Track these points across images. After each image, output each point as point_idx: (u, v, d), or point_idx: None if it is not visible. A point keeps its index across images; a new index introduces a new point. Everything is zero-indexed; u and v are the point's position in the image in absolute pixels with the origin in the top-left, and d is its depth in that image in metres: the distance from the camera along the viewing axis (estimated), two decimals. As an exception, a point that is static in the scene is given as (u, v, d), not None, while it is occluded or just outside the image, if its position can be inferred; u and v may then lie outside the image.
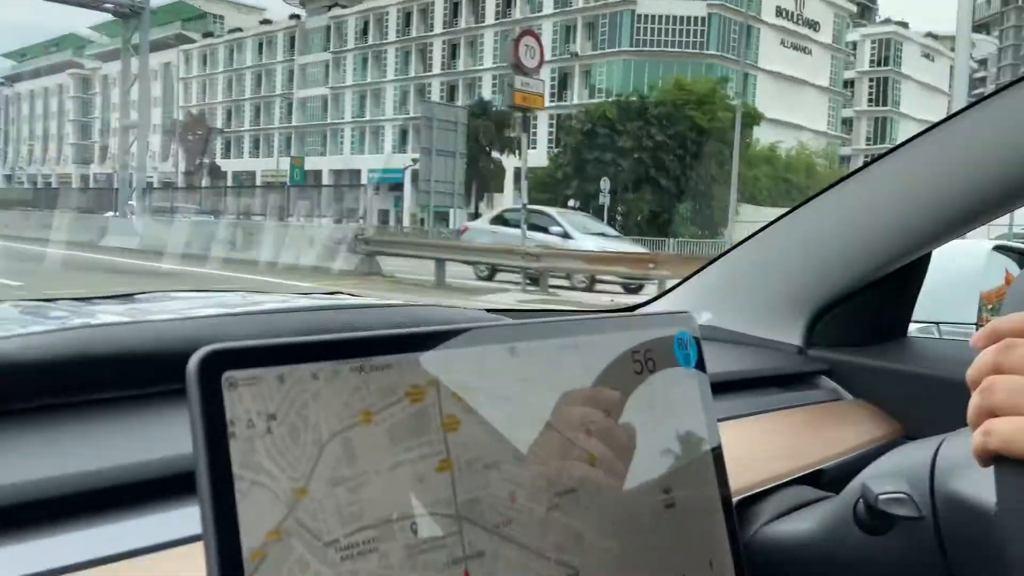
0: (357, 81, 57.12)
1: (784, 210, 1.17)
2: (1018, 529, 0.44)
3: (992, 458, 0.46)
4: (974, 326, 1.25)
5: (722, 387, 0.96)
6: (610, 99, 34.41)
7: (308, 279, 12.38)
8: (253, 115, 63.30)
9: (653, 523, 0.57)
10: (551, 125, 45.46)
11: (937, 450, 0.67)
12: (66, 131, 76.20)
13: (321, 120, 59.20)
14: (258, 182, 53.72)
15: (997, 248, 1.39)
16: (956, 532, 0.63)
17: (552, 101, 44.71)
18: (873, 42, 55.10)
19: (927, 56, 55.45)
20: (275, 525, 0.40)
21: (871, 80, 54.93)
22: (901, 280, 1.13)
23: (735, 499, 0.73)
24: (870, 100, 55.14)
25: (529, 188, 15.70)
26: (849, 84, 54.15)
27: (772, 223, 1.17)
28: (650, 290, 11.73)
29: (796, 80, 46.84)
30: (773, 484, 0.79)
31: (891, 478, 0.66)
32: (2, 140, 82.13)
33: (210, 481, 0.38)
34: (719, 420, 0.83)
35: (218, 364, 0.40)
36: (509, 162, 38.66)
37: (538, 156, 38.00)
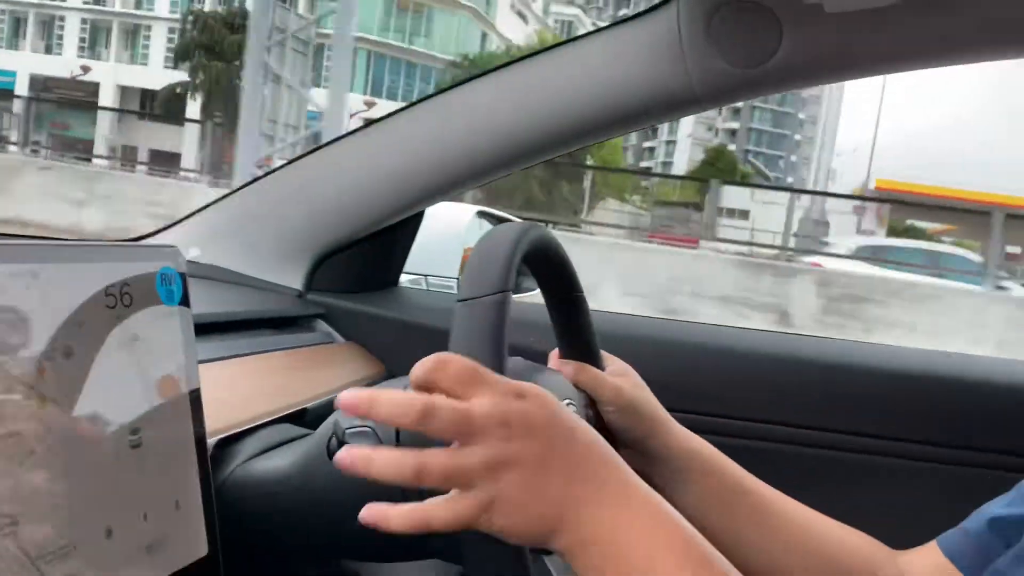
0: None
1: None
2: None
3: None
4: (455, 280, 1.41)
5: (215, 327, 0.95)
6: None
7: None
8: None
9: (115, 464, 0.54)
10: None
11: (406, 387, 0.74)
12: None
13: None
14: None
15: (480, 213, 1.58)
16: None
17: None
18: (557, 22, 53.02)
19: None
20: None
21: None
22: (396, 234, 1.22)
23: (214, 439, 0.73)
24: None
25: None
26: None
27: (279, 168, 1.18)
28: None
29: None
30: (255, 423, 0.80)
31: None
32: None
33: None
34: (208, 360, 0.82)
35: None
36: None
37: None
